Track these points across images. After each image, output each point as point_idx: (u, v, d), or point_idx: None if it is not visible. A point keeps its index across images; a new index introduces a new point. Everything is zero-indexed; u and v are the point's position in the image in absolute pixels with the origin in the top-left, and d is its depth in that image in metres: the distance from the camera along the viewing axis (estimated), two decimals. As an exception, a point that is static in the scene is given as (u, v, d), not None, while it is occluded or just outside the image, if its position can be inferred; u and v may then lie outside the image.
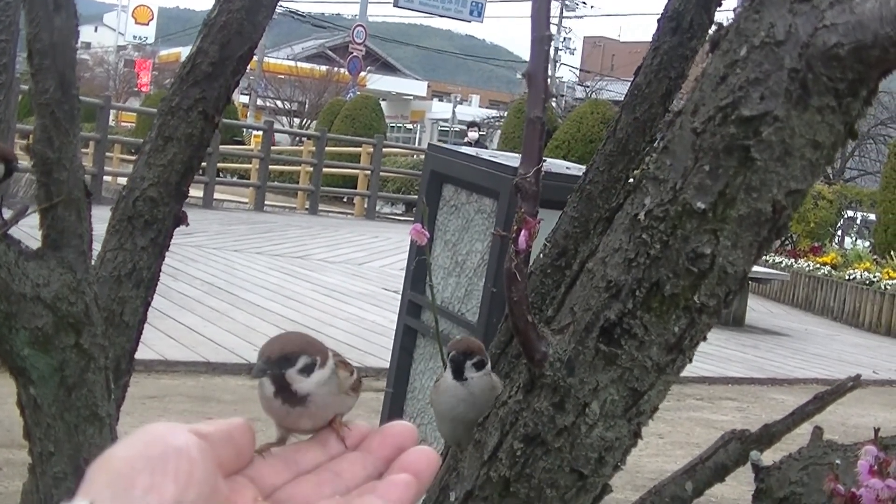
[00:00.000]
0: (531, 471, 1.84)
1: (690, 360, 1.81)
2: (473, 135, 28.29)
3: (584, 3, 67.43)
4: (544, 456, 1.82)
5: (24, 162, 3.15)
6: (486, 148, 26.90)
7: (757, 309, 19.78)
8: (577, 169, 4.21)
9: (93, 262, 3.24)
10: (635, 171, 1.90)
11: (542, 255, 2.74)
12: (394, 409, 4.99)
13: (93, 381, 3.04)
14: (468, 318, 4.51)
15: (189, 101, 3.34)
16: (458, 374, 2.17)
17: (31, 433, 3.11)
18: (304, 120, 50.60)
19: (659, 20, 2.65)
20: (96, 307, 3.08)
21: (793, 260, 23.27)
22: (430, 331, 4.65)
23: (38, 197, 3.06)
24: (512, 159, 4.62)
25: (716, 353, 14.07)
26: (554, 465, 1.82)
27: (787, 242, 24.85)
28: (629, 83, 2.76)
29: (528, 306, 1.81)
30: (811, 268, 22.67)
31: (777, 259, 23.18)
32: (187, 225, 3.52)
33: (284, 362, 1.13)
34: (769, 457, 2.52)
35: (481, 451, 1.92)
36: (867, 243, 26.74)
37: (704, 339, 1.80)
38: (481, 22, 55.85)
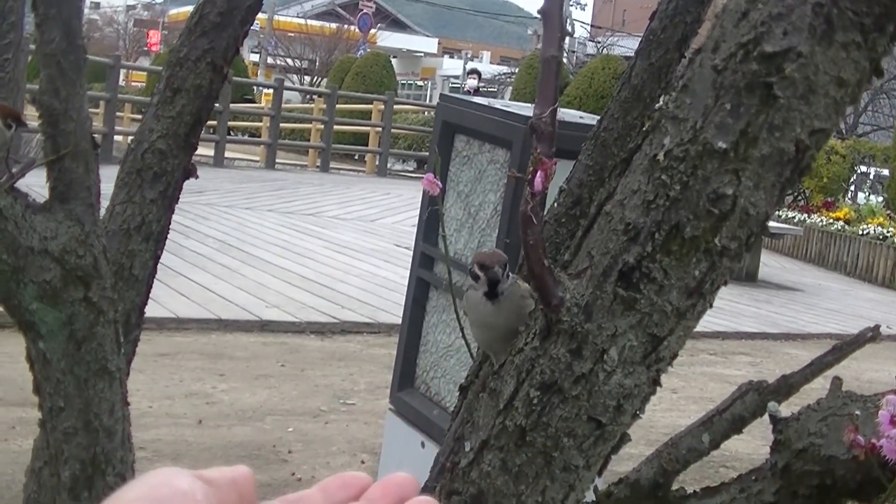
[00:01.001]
0: (548, 419, 1.80)
1: (711, 306, 1.77)
2: (472, 82, 27.78)
3: (594, -43, 67.19)
4: (561, 404, 1.79)
5: (34, 122, 3.11)
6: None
7: (770, 264, 19.75)
8: (590, 118, 4.17)
9: (101, 216, 3.21)
10: (650, 118, 1.87)
11: (556, 205, 2.70)
12: (406, 362, 4.96)
13: (102, 334, 3.01)
14: (481, 270, 4.44)
15: (197, 51, 3.30)
16: (492, 291, 2.12)
17: (40, 388, 3.08)
18: (315, 78, 50.51)
19: (675, -38, 2.61)
20: (105, 260, 3.04)
21: (805, 215, 23.21)
22: (443, 283, 4.62)
23: (44, 149, 3.02)
24: (525, 109, 4.58)
25: (729, 308, 14.05)
26: (571, 413, 1.78)
27: (799, 198, 24.79)
28: (640, 38, 2.72)
29: (544, 250, 1.77)
30: (824, 223, 22.61)
31: (790, 214, 23.12)
32: (196, 177, 3.49)
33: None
34: (787, 409, 2.48)
35: (497, 399, 1.89)
36: (880, 198, 26.66)
37: (725, 283, 1.76)
38: (492, -22, 55.56)
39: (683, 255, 1.67)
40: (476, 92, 26.08)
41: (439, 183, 3.00)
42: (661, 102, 1.73)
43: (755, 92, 1.58)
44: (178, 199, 3.47)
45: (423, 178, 3.03)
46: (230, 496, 0.97)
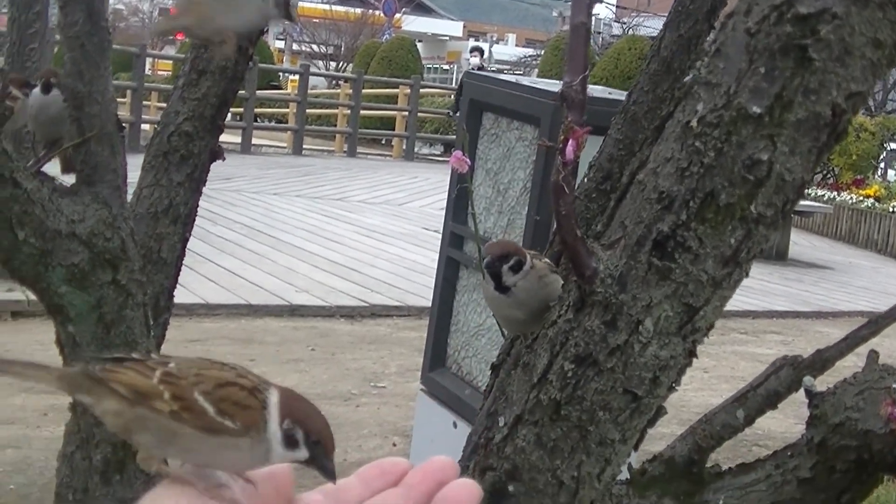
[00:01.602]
0: (583, 393, 1.78)
1: (747, 275, 1.74)
2: (475, 60, 27.45)
3: (620, -63, 66.96)
4: (596, 377, 1.76)
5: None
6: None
7: (800, 242, 19.67)
8: (619, 94, 4.14)
9: (129, 200, 3.20)
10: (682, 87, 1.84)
11: (586, 180, 2.68)
12: (437, 343, 4.94)
13: (131, 317, 3.00)
14: (511, 247, 4.43)
15: (222, 32, 3.28)
16: (499, 285, 2.09)
17: (70, 372, 3.07)
18: (340, 63, 50.46)
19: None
20: (133, 243, 3.03)
21: (835, 193, 23.09)
22: (474, 262, 4.60)
23: (70, 132, 3.01)
24: (552, 85, 4.55)
25: (759, 287, 13.99)
26: (606, 386, 1.76)
27: (828, 175, 24.66)
28: (668, 13, 2.69)
29: (576, 220, 1.74)
30: (854, 200, 22.49)
31: (819, 192, 22.99)
32: (223, 159, 3.47)
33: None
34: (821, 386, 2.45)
35: (530, 373, 1.86)
36: (910, 175, 26.52)
37: (761, 251, 1.73)
38: (517, -41, 55.49)
39: (719, 222, 1.65)
40: (480, 70, 25.88)
41: (467, 160, 2.97)
42: (690, 76, 1.70)
43: (790, 55, 1.56)
44: (206, 181, 3.45)
45: (450, 159, 3.00)
46: (267, 489, 0.99)
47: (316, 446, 1.00)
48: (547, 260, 2.19)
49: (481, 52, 27.88)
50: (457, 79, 30.45)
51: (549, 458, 1.83)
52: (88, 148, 2.97)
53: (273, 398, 1.01)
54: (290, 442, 0.99)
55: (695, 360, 1.85)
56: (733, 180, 1.62)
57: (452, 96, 26.85)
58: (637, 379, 1.75)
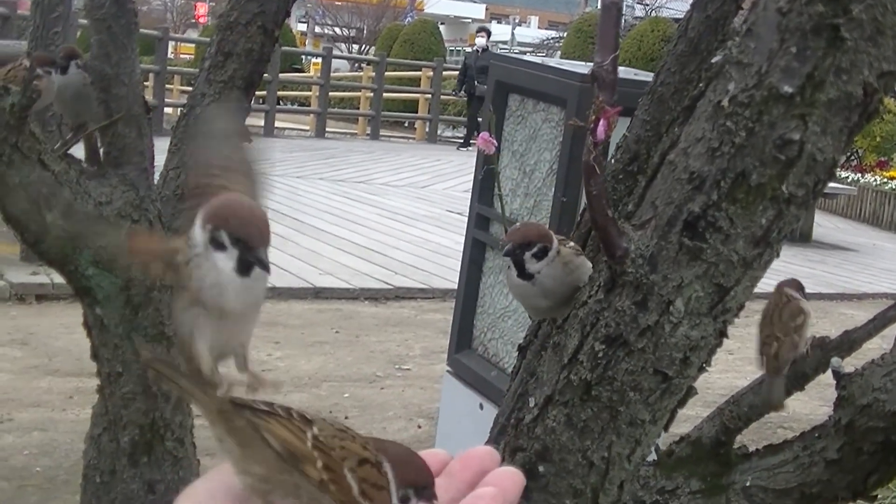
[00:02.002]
0: (613, 373, 1.77)
1: (778, 255, 1.74)
2: (481, 41, 27.11)
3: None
4: (627, 357, 1.76)
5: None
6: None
7: (824, 224, 19.60)
8: (645, 75, 4.12)
9: (155, 182, 3.21)
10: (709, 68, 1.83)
11: (613, 161, 2.67)
12: (464, 324, 4.94)
13: (159, 299, 3.01)
14: (538, 229, 4.41)
15: (248, 15, 3.29)
16: (522, 272, 2.07)
17: (98, 354, 3.09)
18: (363, 46, 50.45)
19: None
20: (160, 224, 3.04)
21: (859, 175, 22.98)
22: (500, 243, 4.59)
23: (97, 114, 3.02)
24: (579, 66, 4.54)
25: (783, 269, 13.79)
26: (637, 366, 1.76)
27: (852, 157, 24.54)
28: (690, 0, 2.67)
29: (607, 200, 1.74)
30: (878, 182, 22.39)
31: (843, 174, 22.88)
32: (250, 142, 3.47)
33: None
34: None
35: (561, 354, 1.86)
36: (935, 157, 26.37)
37: (791, 231, 1.72)
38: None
39: (750, 202, 1.64)
40: (485, 51, 25.61)
41: (494, 141, 2.97)
42: (719, 56, 1.69)
43: (821, 34, 1.55)
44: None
45: (473, 143, 3.00)
46: None
47: (426, 493, 0.98)
48: (573, 244, 2.17)
49: (488, 32, 27.58)
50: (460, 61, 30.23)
51: (579, 439, 1.83)
52: (115, 130, 2.98)
53: (388, 469, 0.99)
54: (403, 501, 0.98)
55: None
56: (764, 160, 1.61)
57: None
58: (668, 359, 1.74)
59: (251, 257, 1.06)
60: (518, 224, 2.14)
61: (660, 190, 1.73)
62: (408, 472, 0.97)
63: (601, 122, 1.71)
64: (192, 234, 1.08)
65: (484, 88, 25.22)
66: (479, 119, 25.80)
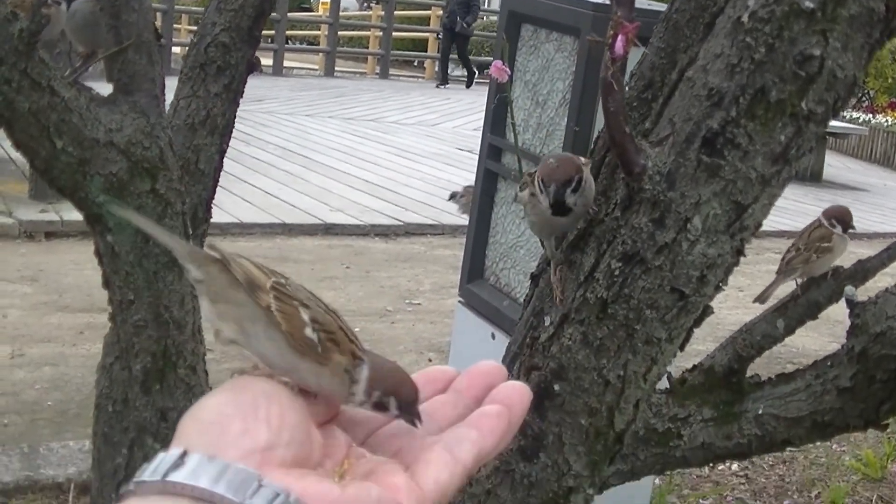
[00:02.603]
0: (630, 291, 1.76)
1: (797, 173, 1.72)
2: None
3: None
4: (643, 275, 1.75)
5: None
6: None
7: (834, 164, 19.57)
8: (658, 5, 4.09)
9: (166, 112, 3.19)
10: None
11: (627, 88, 2.64)
12: (475, 254, 4.93)
13: (170, 226, 2.99)
14: (550, 158, 4.38)
15: (258, -56, 3.26)
16: (560, 209, 2.03)
17: (110, 282, 3.08)
18: (372, -15, 50.23)
19: None
20: (171, 152, 3.02)
21: (870, 116, 22.88)
22: (512, 173, 4.57)
23: (107, 40, 2.99)
24: (591, -5, 4.50)
25: (793, 208, 13.93)
26: (654, 284, 1.75)
27: (864, 98, 24.43)
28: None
29: (625, 117, 1.72)
30: (890, 123, 22.30)
31: (854, 114, 22.79)
32: (261, 71, 3.46)
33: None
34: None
35: (577, 272, 1.85)
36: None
37: (811, 150, 1.70)
38: None
39: (769, 119, 1.62)
40: None
41: (507, 69, 2.94)
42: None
43: (844, -52, 1.53)
44: (243, 92, 3.44)
45: (484, 82, 2.98)
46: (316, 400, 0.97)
47: (408, 407, 0.97)
48: (584, 159, 2.15)
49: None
50: (490, 1, 30.02)
51: (595, 357, 1.82)
52: (126, 57, 2.96)
53: (365, 368, 0.98)
54: (379, 408, 0.97)
55: (730, 279, 1.83)
56: (784, 76, 1.59)
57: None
58: (684, 277, 1.73)
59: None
60: (551, 160, 2.08)
61: (678, 107, 1.71)
62: (391, 382, 0.96)
63: (619, 37, 1.69)
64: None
65: (465, 26, 25.11)
66: (452, 56, 25.83)
